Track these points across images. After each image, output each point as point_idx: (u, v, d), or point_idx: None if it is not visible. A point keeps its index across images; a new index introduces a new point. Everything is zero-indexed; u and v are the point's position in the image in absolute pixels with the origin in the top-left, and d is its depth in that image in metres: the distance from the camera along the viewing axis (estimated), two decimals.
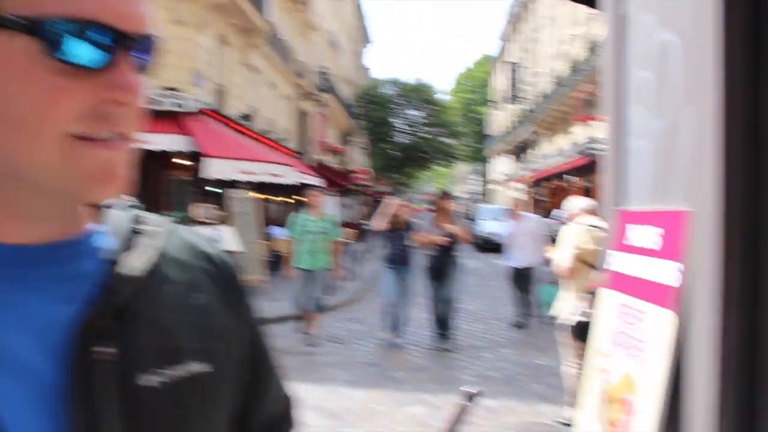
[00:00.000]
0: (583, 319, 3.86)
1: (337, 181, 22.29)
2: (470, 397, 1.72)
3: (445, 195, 7.01)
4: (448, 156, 41.76)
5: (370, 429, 4.53)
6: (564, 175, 20.21)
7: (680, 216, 1.14)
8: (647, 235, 1.22)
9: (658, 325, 1.15)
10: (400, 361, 6.43)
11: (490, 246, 18.04)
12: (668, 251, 1.14)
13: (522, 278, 8.14)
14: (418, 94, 39.52)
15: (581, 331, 3.83)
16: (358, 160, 34.68)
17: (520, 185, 28.51)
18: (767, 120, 1.09)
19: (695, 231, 1.11)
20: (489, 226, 19.66)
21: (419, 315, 7.37)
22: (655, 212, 1.22)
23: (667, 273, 1.14)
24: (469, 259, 12.51)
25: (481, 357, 6.74)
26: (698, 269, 1.10)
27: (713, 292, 1.06)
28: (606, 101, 1.54)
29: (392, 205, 6.88)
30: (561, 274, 4.16)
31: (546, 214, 13.18)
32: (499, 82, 36.72)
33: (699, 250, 1.09)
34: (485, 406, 4.80)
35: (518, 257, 8.02)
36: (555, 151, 23.72)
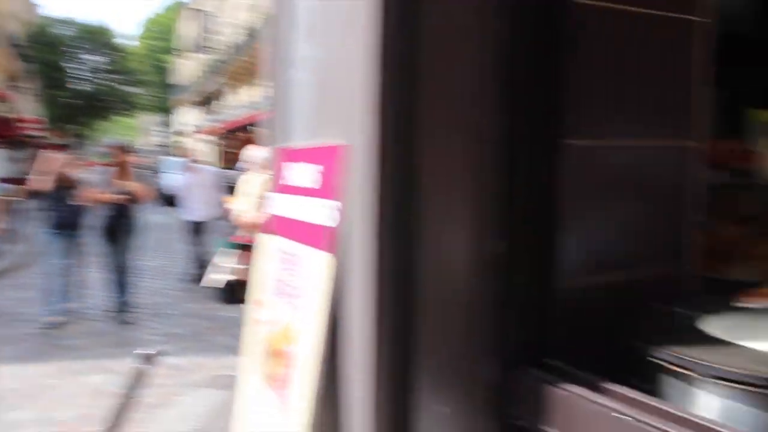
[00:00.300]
0: (232, 277, 3.78)
1: (2, 132, 19.77)
2: (147, 358, 1.50)
3: (123, 148, 6.46)
4: (132, 106, 39.48)
5: (40, 407, 4.06)
6: (249, 127, 20.15)
7: (337, 151, 1.07)
8: (306, 174, 1.14)
9: (316, 269, 1.08)
10: (76, 329, 5.89)
11: (173, 200, 17.46)
12: (326, 189, 1.07)
13: (197, 231, 7.97)
14: (98, 38, 36.55)
15: (231, 292, 3.74)
16: (28, 108, 31.12)
17: (208, 137, 27.89)
18: (423, 54, 1.05)
19: (351, 167, 1.05)
20: (172, 179, 18.98)
21: (95, 278, 6.81)
22: (314, 148, 1.14)
23: (324, 212, 1.07)
24: (153, 214, 11.93)
25: (165, 315, 6.45)
26: (354, 206, 1.04)
27: (368, 229, 1.00)
28: (272, 33, 1.42)
29: (54, 160, 6.12)
30: (242, 224, 4.06)
31: (233, 165, 13.03)
32: (188, 30, 35.37)
33: (355, 187, 1.03)
34: (171, 364, 4.58)
35: (193, 210, 7.82)
36: (244, 102, 23.55)
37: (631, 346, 1.19)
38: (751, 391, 0.98)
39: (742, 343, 1.11)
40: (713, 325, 1.20)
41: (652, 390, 1.12)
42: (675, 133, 1.39)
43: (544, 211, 1.20)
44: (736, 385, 0.99)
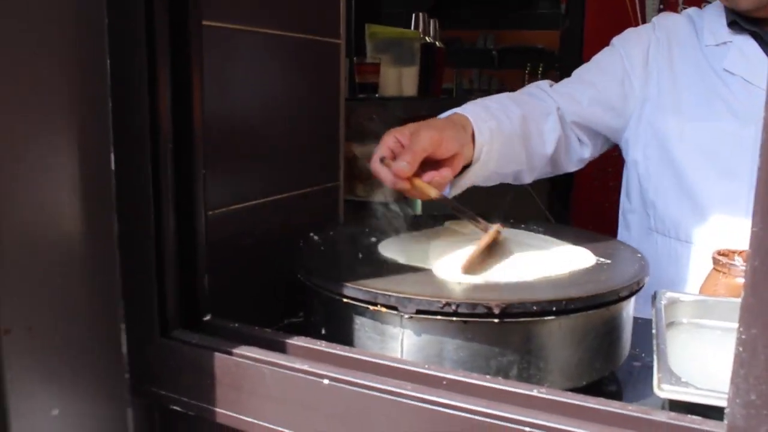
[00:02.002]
0: None
1: None
2: None
3: None
4: None
5: None
6: None
7: None
8: None
9: None
10: None
11: None
12: None
13: None
14: None
15: None
16: None
17: None
18: None
19: None
20: None
21: None
22: None
23: None
24: None
25: None
26: None
27: None
28: None
29: None
30: None
31: None
32: None
33: None
34: None
35: None
36: None
37: (305, 284, 0.99)
38: (463, 321, 0.86)
39: (434, 270, 0.98)
40: (391, 251, 1.06)
41: (342, 335, 0.94)
42: (320, 28, 1.20)
43: (182, 120, 0.91)
44: (447, 318, 0.85)
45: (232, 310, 0.98)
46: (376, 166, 1.13)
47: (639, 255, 1.05)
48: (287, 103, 1.13)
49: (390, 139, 1.15)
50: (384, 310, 0.88)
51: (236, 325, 0.93)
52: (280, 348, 0.87)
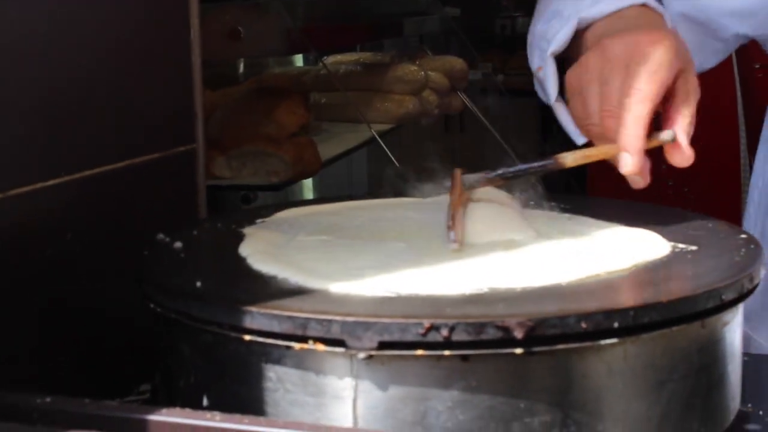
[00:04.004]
0: None
1: None
2: None
3: None
4: None
5: None
6: None
7: None
8: None
9: None
10: None
11: None
12: None
13: None
14: None
15: None
16: None
17: None
18: None
19: None
20: None
21: None
22: None
23: None
24: None
25: None
26: None
27: None
28: None
29: None
30: None
31: None
32: None
33: None
34: None
35: None
36: None
37: (164, 318, 0.67)
38: (461, 357, 0.59)
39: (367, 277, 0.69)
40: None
41: (240, 402, 0.63)
42: None
43: None
44: (434, 353, 0.59)
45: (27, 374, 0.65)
46: (634, 137, 0.79)
47: (744, 236, 0.79)
48: (103, 11, 0.79)
49: (664, 77, 0.81)
50: (321, 348, 0.59)
51: (47, 399, 0.59)
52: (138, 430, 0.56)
